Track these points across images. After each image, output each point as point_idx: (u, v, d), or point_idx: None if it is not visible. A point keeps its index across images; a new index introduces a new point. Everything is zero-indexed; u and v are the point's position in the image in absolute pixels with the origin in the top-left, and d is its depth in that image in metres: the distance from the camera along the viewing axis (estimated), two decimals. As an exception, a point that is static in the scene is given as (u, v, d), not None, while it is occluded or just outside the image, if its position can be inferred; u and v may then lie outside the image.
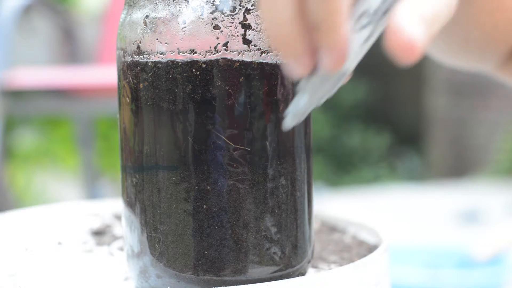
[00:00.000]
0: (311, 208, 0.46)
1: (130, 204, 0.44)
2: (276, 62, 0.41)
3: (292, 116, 0.36)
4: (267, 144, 0.42)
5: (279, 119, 0.43)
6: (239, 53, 0.42)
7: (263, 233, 0.43)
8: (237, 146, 0.42)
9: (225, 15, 0.42)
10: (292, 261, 0.44)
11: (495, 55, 0.63)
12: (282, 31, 0.32)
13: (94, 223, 0.61)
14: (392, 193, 2.81)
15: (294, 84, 0.37)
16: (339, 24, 0.30)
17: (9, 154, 3.23)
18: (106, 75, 1.91)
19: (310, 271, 0.48)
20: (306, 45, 0.32)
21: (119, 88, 0.45)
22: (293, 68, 0.33)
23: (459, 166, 3.56)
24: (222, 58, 0.42)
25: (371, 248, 0.53)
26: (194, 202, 0.42)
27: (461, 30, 0.59)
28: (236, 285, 0.42)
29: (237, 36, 0.42)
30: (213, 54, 0.42)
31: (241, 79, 0.42)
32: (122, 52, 0.44)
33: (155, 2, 0.42)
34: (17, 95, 2.01)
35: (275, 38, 0.32)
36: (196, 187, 0.42)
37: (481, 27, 0.59)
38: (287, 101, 0.43)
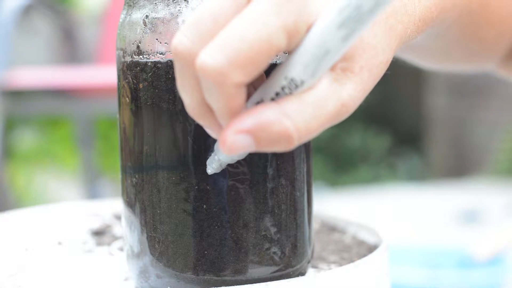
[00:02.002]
0: (311, 208, 0.46)
1: (130, 204, 0.44)
2: (275, 61, 0.41)
3: (210, 168, 0.41)
4: (267, 144, 0.42)
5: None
6: (239, 53, 0.42)
7: (263, 233, 0.43)
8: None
9: (225, 15, 0.42)
10: (292, 261, 0.44)
11: (487, 63, 0.62)
12: (192, 111, 0.38)
13: (94, 223, 0.61)
14: (392, 193, 2.81)
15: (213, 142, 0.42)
16: (228, 113, 0.36)
17: (9, 154, 3.23)
18: (106, 75, 1.91)
19: (310, 271, 0.48)
20: (213, 119, 0.38)
21: (119, 88, 0.45)
22: (209, 132, 0.40)
23: (459, 166, 3.56)
24: (222, 58, 0.42)
25: (371, 248, 0.53)
26: (194, 202, 0.42)
27: (444, 48, 0.58)
28: (236, 285, 0.42)
29: (237, 36, 0.42)
30: (213, 54, 0.42)
31: (241, 79, 0.42)
32: (122, 52, 0.44)
33: (154, 2, 0.42)
34: (17, 95, 2.01)
35: (190, 113, 0.38)
36: (196, 187, 0.42)
37: (467, 44, 0.57)
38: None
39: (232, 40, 0.34)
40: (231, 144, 0.35)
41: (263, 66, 0.35)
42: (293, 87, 0.36)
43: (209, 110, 0.37)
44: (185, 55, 0.36)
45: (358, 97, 0.37)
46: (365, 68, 0.38)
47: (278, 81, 0.36)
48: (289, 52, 0.36)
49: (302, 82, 0.36)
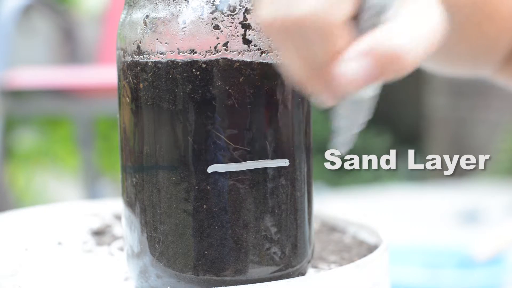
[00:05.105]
0: (311, 208, 0.46)
1: (130, 204, 0.44)
2: (277, 62, 0.41)
3: (342, 148, 0.40)
4: (267, 144, 0.42)
5: (279, 119, 0.43)
6: (239, 53, 0.42)
7: (263, 233, 0.43)
8: (237, 146, 0.42)
9: (225, 15, 0.42)
10: (292, 261, 0.44)
11: (487, 63, 0.62)
12: (306, 82, 0.37)
13: (94, 223, 0.61)
14: (392, 193, 2.81)
15: (331, 115, 0.41)
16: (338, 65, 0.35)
17: (9, 154, 3.23)
18: (106, 75, 1.91)
19: (310, 271, 0.48)
20: (324, 84, 0.37)
21: (119, 88, 0.45)
22: (323, 101, 0.38)
23: (459, 166, 3.56)
24: (222, 58, 0.42)
25: (371, 248, 0.53)
26: (194, 202, 0.42)
27: (447, 42, 0.58)
28: (236, 285, 0.42)
29: (237, 36, 0.42)
30: (213, 54, 0.42)
31: (241, 79, 0.42)
32: (122, 52, 0.44)
33: (155, 2, 0.42)
34: (17, 95, 2.01)
35: (305, 84, 0.37)
36: (196, 187, 0.42)
37: (469, 38, 0.58)
38: (287, 101, 0.43)
39: None
40: (343, 75, 0.35)
41: None
42: (380, 12, 0.36)
43: (321, 73, 0.37)
44: (278, 22, 0.36)
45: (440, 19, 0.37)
46: None
47: (367, 11, 0.37)
48: None
49: (385, 6, 0.36)
